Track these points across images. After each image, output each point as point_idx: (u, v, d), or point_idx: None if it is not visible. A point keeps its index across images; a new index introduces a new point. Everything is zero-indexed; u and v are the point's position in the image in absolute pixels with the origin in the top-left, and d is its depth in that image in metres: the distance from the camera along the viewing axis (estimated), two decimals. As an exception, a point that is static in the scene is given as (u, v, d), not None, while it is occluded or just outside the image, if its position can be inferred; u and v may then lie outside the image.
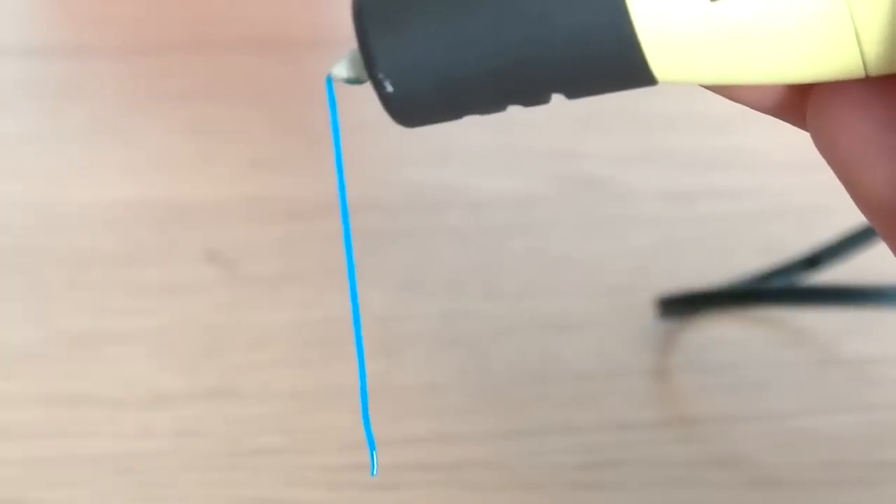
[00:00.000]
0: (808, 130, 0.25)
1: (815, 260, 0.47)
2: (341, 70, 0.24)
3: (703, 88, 0.24)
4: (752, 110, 0.25)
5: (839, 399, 0.44)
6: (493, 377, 0.45)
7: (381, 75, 0.23)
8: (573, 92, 0.23)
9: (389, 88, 0.23)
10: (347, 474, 0.41)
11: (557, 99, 0.23)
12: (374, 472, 0.24)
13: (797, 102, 0.25)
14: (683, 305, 0.47)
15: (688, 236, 0.51)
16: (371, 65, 0.23)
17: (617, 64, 0.22)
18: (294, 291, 0.48)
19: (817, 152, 0.24)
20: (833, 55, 0.22)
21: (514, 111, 0.24)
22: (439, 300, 0.48)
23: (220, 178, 0.55)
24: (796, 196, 0.52)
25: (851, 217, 0.47)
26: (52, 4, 0.70)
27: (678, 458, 0.42)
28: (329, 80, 0.23)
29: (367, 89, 0.23)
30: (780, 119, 0.25)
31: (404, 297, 0.48)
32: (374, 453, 0.24)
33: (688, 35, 0.22)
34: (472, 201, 0.53)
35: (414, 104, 0.23)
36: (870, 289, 0.44)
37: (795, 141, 0.55)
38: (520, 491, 0.41)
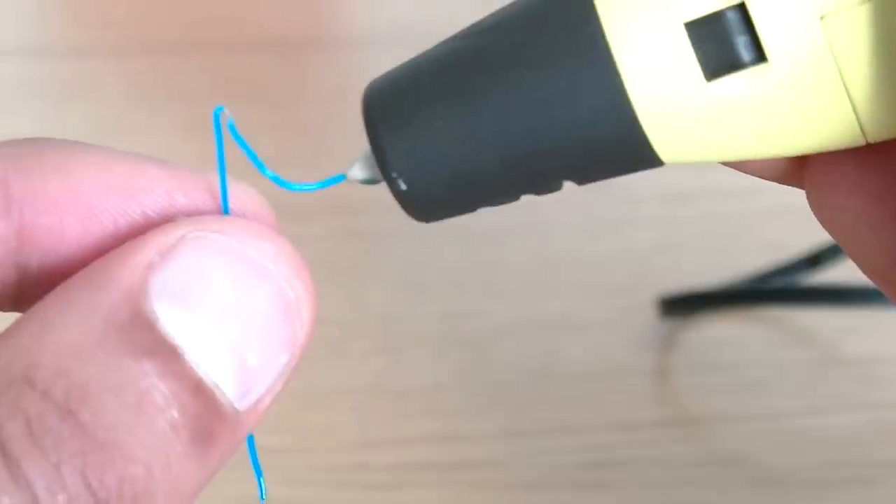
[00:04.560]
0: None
1: (816, 259, 0.47)
2: (356, 172, 0.24)
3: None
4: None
5: (840, 399, 0.44)
6: (493, 377, 0.45)
7: (394, 174, 0.23)
8: (582, 178, 0.23)
9: (403, 186, 0.23)
10: (348, 473, 0.41)
11: (569, 186, 0.23)
12: (264, 498, 0.25)
13: (800, 170, 0.25)
14: (684, 305, 0.47)
15: (688, 236, 0.51)
16: (383, 164, 0.23)
17: (622, 148, 0.22)
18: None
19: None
20: (831, 126, 0.22)
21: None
22: (439, 300, 0.48)
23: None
24: (796, 196, 0.52)
25: (852, 217, 0.47)
26: (53, 4, 0.70)
27: (678, 458, 0.42)
28: (217, 116, 0.24)
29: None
30: (790, 186, 0.25)
31: (404, 297, 0.48)
32: (262, 479, 0.24)
33: (687, 115, 0.22)
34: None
35: (428, 200, 0.23)
36: (870, 289, 0.44)
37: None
38: (521, 491, 0.41)
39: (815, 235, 0.48)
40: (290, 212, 0.52)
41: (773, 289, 0.47)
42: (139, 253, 0.21)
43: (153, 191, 0.23)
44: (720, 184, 0.54)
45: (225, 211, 0.23)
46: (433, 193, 0.23)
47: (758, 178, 0.25)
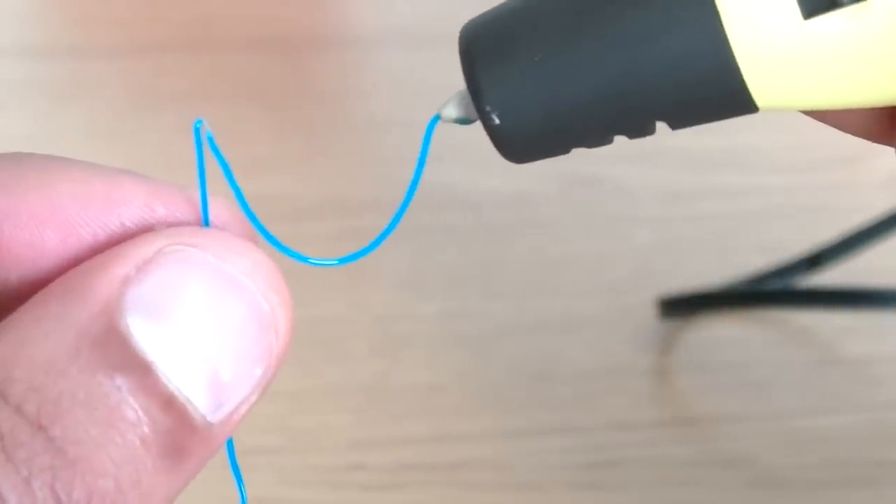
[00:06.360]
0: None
1: (815, 260, 0.47)
2: (450, 111, 0.24)
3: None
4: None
5: (839, 399, 0.44)
6: (493, 377, 0.45)
7: (488, 108, 0.23)
8: (676, 121, 0.23)
9: (497, 121, 0.23)
10: (346, 474, 0.41)
11: (662, 128, 0.23)
12: (245, 502, 0.25)
13: (891, 129, 0.25)
14: (684, 305, 0.47)
15: (688, 236, 0.51)
16: (478, 98, 0.23)
17: (717, 89, 0.22)
18: (293, 291, 0.48)
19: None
20: None
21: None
22: (439, 300, 0.48)
23: (220, 179, 0.55)
24: (796, 196, 0.52)
25: (852, 217, 0.47)
26: (52, 4, 0.70)
27: (678, 458, 0.42)
28: (197, 129, 0.24)
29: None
30: (879, 143, 0.25)
31: (404, 297, 0.48)
32: (242, 484, 0.25)
33: (783, 55, 0.22)
34: (472, 201, 0.53)
35: (521, 137, 0.23)
36: (870, 290, 0.44)
37: (796, 141, 0.55)
38: (520, 491, 0.41)
39: (816, 235, 0.48)
40: (289, 211, 0.52)
41: (774, 290, 0.47)
42: (115, 265, 0.21)
43: (132, 202, 0.23)
44: (720, 184, 0.54)
45: (205, 223, 0.23)
46: (526, 129, 0.23)
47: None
